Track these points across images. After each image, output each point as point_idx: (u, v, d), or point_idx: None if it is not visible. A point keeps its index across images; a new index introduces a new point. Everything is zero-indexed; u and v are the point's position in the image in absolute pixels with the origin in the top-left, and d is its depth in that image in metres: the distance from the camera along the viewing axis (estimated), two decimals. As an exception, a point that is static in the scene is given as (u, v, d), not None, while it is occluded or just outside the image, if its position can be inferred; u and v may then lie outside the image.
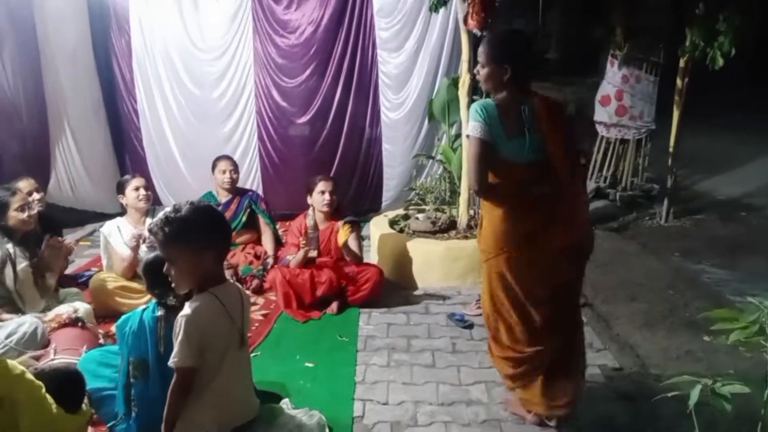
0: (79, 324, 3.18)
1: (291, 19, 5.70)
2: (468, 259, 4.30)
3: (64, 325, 3.14)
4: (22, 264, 3.30)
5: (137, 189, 4.08)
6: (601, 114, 6.16)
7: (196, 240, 1.93)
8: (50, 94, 5.72)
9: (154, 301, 2.45)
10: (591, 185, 6.11)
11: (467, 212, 4.63)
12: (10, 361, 1.96)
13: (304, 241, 4.09)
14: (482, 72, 2.54)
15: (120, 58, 5.97)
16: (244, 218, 4.71)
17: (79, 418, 2.10)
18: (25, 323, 3.02)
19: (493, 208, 2.50)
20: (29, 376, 1.97)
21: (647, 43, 5.83)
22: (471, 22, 4.20)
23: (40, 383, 1.98)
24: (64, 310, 3.24)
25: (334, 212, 4.27)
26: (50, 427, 1.94)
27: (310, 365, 3.26)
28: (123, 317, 2.51)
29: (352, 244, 4.14)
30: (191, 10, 5.74)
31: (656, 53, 5.81)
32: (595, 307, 3.97)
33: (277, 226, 5.04)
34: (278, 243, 4.78)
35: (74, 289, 3.91)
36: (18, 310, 3.26)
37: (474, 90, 4.64)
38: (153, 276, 2.43)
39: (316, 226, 4.24)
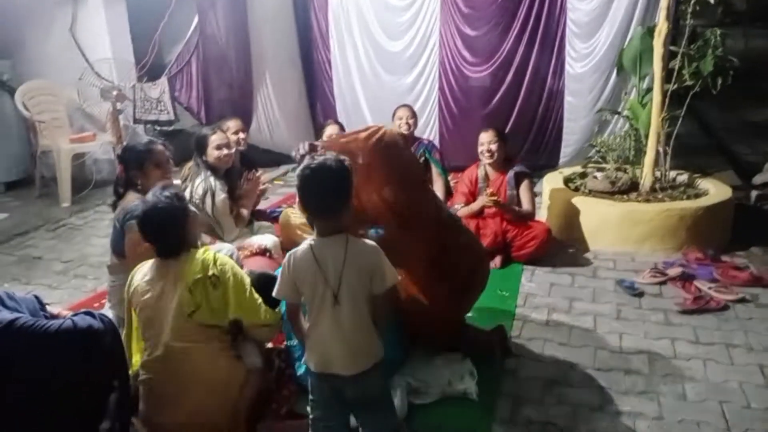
0: (267, 254, 3.57)
1: (480, -34, 5.61)
2: (648, 224, 4.05)
3: (254, 254, 3.54)
4: (221, 195, 3.74)
5: (330, 137, 4.38)
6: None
7: None
8: (254, 47, 6.30)
9: None
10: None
11: (652, 174, 4.32)
12: (222, 255, 2.42)
13: (490, 191, 4.04)
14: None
15: (317, 11, 6.38)
16: (418, 166, 4.82)
17: (275, 314, 2.44)
18: (223, 249, 3.39)
19: None
20: (237, 269, 2.39)
21: None
22: (673, -35, 3.84)
23: (247, 277, 2.40)
24: (255, 242, 3.66)
25: (505, 163, 4.21)
26: (252, 311, 2.35)
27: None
28: None
29: (524, 197, 4.09)
30: (386, -39, 5.91)
31: None
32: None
33: (450, 177, 5.10)
34: (449, 194, 4.84)
35: (266, 223, 4.36)
36: (218, 238, 3.73)
37: (672, 41, 4.25)
38: None
39: (486, 177, 4.24)
